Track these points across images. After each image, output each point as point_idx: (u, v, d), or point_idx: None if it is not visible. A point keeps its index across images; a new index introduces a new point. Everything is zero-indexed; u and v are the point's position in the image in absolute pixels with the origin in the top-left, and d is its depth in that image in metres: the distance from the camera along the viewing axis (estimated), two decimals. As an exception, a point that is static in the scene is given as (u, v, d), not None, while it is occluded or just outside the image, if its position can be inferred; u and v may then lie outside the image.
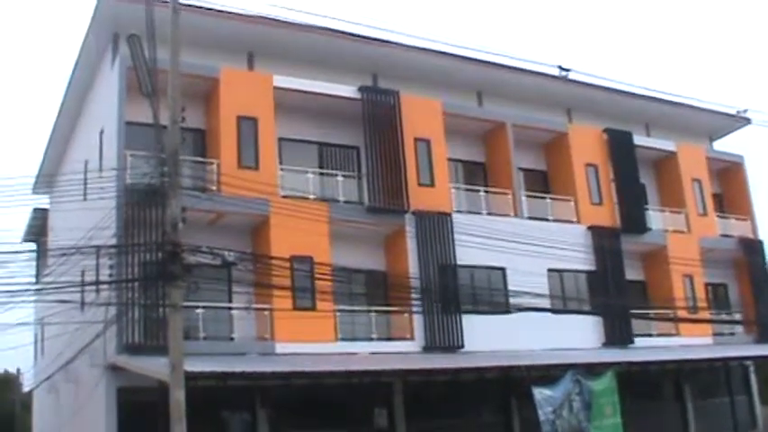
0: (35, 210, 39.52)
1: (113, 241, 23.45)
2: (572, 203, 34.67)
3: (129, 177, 24.68)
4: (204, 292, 22.03)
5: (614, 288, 33.92)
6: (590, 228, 34.42)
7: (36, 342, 40.07)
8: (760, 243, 40.73)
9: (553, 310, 29.31)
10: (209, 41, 27.98)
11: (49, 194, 38.09)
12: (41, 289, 22.29)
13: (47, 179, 36.10)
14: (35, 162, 37.03)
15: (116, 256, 22.46)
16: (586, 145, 35.96)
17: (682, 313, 35.09)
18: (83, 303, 25.38)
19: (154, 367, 21.20)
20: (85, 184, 27.31)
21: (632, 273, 35.82)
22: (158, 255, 17.78)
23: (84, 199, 26.12)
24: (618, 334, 33.36)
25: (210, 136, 28.11)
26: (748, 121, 41.16)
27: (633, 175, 36.92)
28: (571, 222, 34.23)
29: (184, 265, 17.14)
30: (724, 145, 43.98)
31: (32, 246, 39.52)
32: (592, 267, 33.91)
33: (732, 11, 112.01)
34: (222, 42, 28.78)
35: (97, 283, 23.23)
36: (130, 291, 23.02)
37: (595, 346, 32.57)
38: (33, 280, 27.18)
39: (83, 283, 23.18)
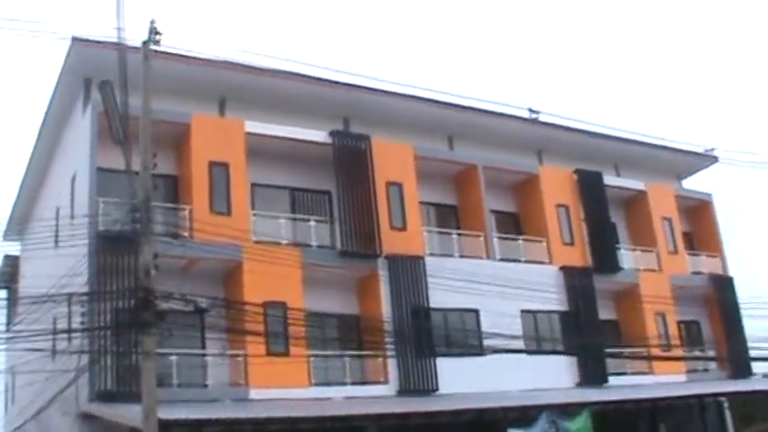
0: (6, 256, 39.22)
1: (85, 288, 23.27)
2: (544, 244, 34.80)
3: (101, 224, 24.56)
4: (177, 339, 22.13)
5: (587, 328, 33.95)
6: (562, 268, 34.53)
7: (6, 390, 39.59)
8: (730, 279, 40.97)
9: (527, 351, 29.41)
10: (180, 87, 28.00)
11: (20, 241, 37.85)
12: (12, 337, 22.13)
13: (18, 226, 35.92)
14: (6, 208, 36.79)
15: (88, 303, 22.35)
16: (557, 186, 36.17)
17: (655, 351, 35.18)
18: (54, 351, 25.17)
19: (127, 415, 20.96)
20: (57, 230, 27.20)
21: (605, 312, 35.87)
22: (131, 302, 17.74)
23: (56, 246, 26.00)
24: (592, 373, 33.35)
25: (182, 182, 28.05)
26: (716, 159, 41.62)
27: (604, 214, 37.12)
28: (543, 263, 34.33)
29: (157, 312, 17.12)
30: (693, 183, 44.42)
31: (3, 293, 39.21)
32: (565, 308, 33.97)
33: (698, 52, 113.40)
34: (194, 88, 28.81)
35: (69, 330, 23.05)
36: (103, 338, 22.83)
37: (570, 386, 32.56)
38: (4, 328, 27.00)
39: (54, 331, 23.00)
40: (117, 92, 17.59)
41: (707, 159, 42.12)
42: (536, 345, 32.50)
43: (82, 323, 22.16)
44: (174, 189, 28.10)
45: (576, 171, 36.93)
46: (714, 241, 42.38)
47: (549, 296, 32.09)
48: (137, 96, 17.98)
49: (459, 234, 33.19)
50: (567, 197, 36.28)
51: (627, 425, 33.59)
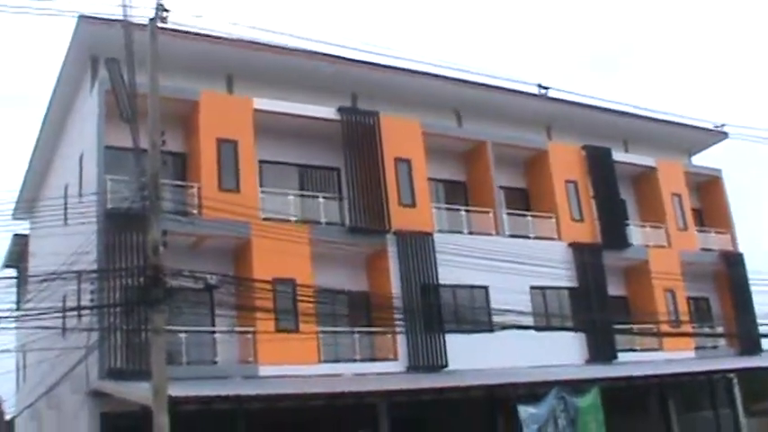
0: (15, 235, 39.26)
1: (94, 266, 23.29)
2: (553, 220, 34.81)
3: (109, 202, 24.58)
4: (187, 316, 22.19)
5: (597, 304, 33.98)
6: (571, 244, 34.53)
7: (18, 369, 39.77)
8: (740, 256, 40.89)
9: (536, 328, 29.36)
10: (188, 65, 27.97)
11: (29, 220, 37.91)
12: (22, 315, 22.16)
13: (27, 205, 35.94)
14: (15, 188, 36.81)
15: (97, 281, 22.34)
16: (566, 162, 36.13)
17: (664, 328, 35.11)
18: (64, 329, 25.24)
19: (137, 392, 21.04)
20: (66, 209, 27.21)
21: (614, 288, 35.91)
22: (140, 279, 17.70)
23: (65, 224, 26.02)
24: (601, 350, 33.40)
25: (191, 159, 28.05)
26: (725, 135, 41.38)
27: (613, 190, 37.11)
28: (552, 239, 34.35)
29: (166, 290, 17.08)
30: (702, 159, 44.27)
31: (13, 272, 39.29)
32: (574, 284, 34.01)
33: (708, 26, 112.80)
34: (201, 66, 28.79)
35: (79, 308, 23.06)
36: (112, 316, 22.82)
37: (579, 363, 32.62)
38: (14, 306, 27.05)
39: (64, 309, 23.03)
40: (124, 69, 17.52)
41: (717, 135, 41.91)
42: (545, 321, 32.55)
43: (91, 301, 22.17)
44: (183, 167, 28.09)
45: (585, 147, 36.84)
46: (724, 218, 42.30)
47: (559, 272, 32.16)
48: (144, 74, 17.91)
49: (468, 210, 33.20)
50: (577, 173, 36.24)
51: (636, 401, 33.69)
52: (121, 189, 23.59)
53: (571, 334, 32.93)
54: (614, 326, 34.54)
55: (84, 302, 22.68)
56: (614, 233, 36.13)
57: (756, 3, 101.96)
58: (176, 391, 18.11)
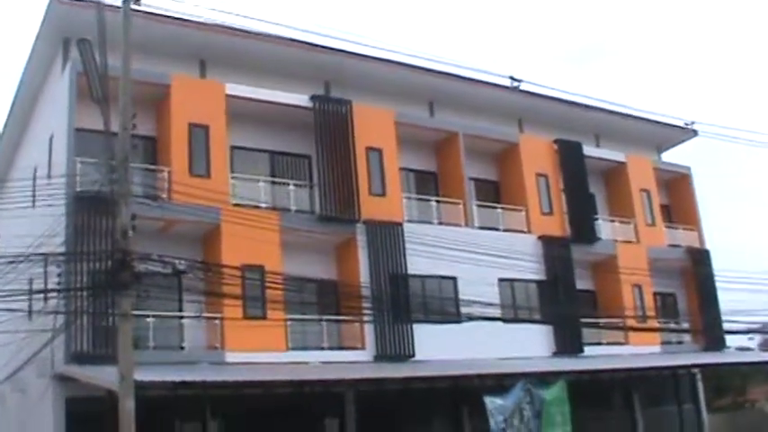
0: (-18, 217, 38.86)
1: (62, 249, 23.16)
2: (523, 213, 34.89)
3: (78, 184, 24.41)
4: (154, 301, 22.07)
5: (565, 297, 34.18)
6: (541, 237, 34.64)
7: (-19, 351, 39.41)
8: (707, 253, 41.16)
9: (504, 320, 29.40)
10: (160, 48, 27.78)
11: (-4, 201, 37.55)
12: (-12, 297, 21.94)
13: (-6, 186, 35.63)
14: (-18, 169, 36.45)
15: (65, 264, 22.22)
16: (537, 155, 36.21)
17: (631, 322, 35.35)
18: (30, 312, 25.06)
19: (103, 377, 20.93)
20: (34, 190, 26.98)
21: (582, 282, 36.06)
22: (108, 263, 17.62)
23: (33, 206, 25.80)
24: (568, 343, 33.59)
25: (161, 143, 27.93)
26: (695, 132, 41.58)
27: (583, 185, 37.26)
28: (522, 232, 34.43)
29: (134, 274, 17.02)
30: (672, 156, 44.53)
31: (-21, 254, 38.86)
32: (542, 277, 34.13)
33: (682, 24, 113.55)
34: (174, 49, 28.61)
35: (45, 291, 22.94)
36: (79, 299, 22.70)
37: (546, 355, 32.80)
38: (-20, 288, 26.75)
39: (30, 292, 22.86)
40: (96, 51, 17.36)
41: (686, 133, 42.10)
42: (513, 313, 32.64)
43: (58, 284, 22.05)
44: (153, 150, 27.97)
45: (557, 141, 36.97)
46: (692, 215, 42.52)
47: (528, 265, 32.16)
48: (116, 57, 17.77)
49: (439, 201, 33.24)
50: (547, 167, 36.35)
51: (601, 394, 33.93)
52: (91, 172, 23.43)
53: (539, 327, 32.99)
54: (581, 319, 34.69)
55: (51, 285, 22.55)
56: (583, 227, 36.31)
57: (727, 2, 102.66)
58: (142, 376, 18.00)
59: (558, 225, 35.59)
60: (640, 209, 39.45)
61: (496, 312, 28.20)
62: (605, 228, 37.96)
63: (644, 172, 40.51)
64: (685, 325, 40.18)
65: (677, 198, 43.13)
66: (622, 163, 39.78)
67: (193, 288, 22.30)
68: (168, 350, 25.25)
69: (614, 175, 39.95)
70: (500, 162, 36.54)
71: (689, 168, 43.29)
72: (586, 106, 37.44)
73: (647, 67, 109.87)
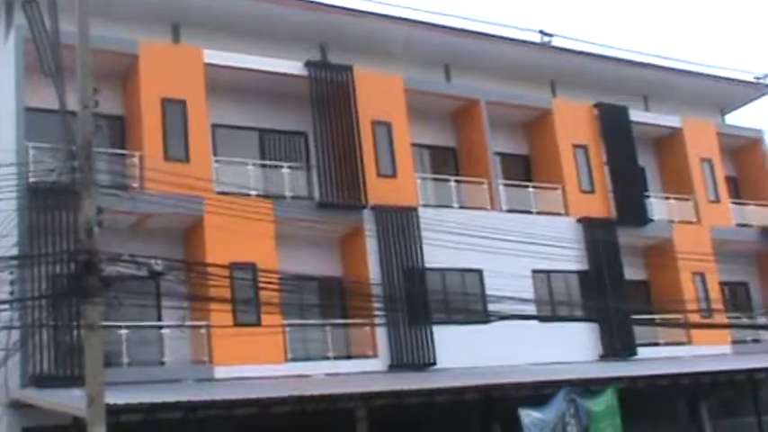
0: None
1: (15, 251, 23.10)
2: (559, 192, 34.94)
3: (31, 174, 24.36)
4: (128, 310, 21.88)
5: (612, 290, 34.11)
6: (580, 220, 34.68)
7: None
8: (786, 232, 40.67)
9: (540, 318, 29.58)
10: (126, 11, 27.93)
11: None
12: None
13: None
14: None
15: (18, 268, 22.18)
16: (574, 123, 36.19)
17: (694, 318, 35.11)
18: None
19: (67, 402, 20.91)
20: (-22, 183, 27.01)
21: (632, 272, 36.04)
22: (70, 266, 17.63)
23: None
24: (618, 344, 33.61)
25: (130, 123, 28.00)
26: (768, 88, 41.35)
27: (630, 156, 37.24)
28: (558, 214, 34.48)
29: (102, 278, 16.98)
30: (738, 118, 44.12)
31: None
32: (584, 266, 34.22)
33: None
34: (142, 11, 28.72)
35: (-5, 302, 22.95)
36: (37, 311, 22.67)
37: (592, 359, 32.88)
38: None
39: (-23, 303, 22.93)
40: (45, 14, 17.32)
41: (757, 89, 41.85)
42: (551, 310, 32.85)
43: (11, 293, 21.97)
44: (121, 132, 28.07)
45: (598, 105, 36.93)
46: (765, 188, 42.14)
47: (566, 253, 32.12)
48: (72, 20, 17.70)
49: (459, 181, 33.32)
50: (587, 136, 36.35)
51: (661, 404, 33.63)
52: (47, 159, 23.46)
53: (582, 325, 33.06)
54: (633, 316, 34.65)
55: (3, 295, 22.54)
56: (632, 206, 36.27)
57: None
58: (115, 398, 18.08)
59: (601, 205, 35.60)
60: (701, 183, 39.23)
61: (531, 310, 28.30)
62: (659, 206, 37.90)
63: (705, 138, 40.25)
64: (762, 320, 39.88)
65: (746, 168, 42.86)
66: (678, 129, 39.61)
67: (174, 293, 22.35)
68: (146, 366, 25.34)
69: (668, 143, 39.85)
70: (530, 133, 36.61)
71: (761, 132, 42.92)
72: (632, 62, 37.41)
73: (706, 10, 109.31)
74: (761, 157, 42.72)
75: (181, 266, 22.79)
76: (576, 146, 35.92)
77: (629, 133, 37.45)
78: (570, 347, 31.90)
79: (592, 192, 35.67)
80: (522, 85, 36.26)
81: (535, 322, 28.20)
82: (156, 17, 29.15)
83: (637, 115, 38.23)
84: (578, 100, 37.11)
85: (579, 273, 34.29)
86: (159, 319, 25.93)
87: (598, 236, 34.57)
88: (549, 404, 26.77)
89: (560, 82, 37.96)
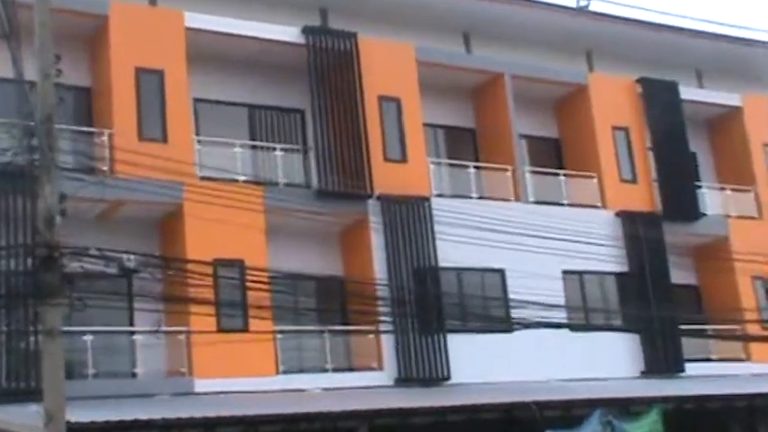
0: None
1: (-37, 244, 23.21)
2: (594, 181, 34.99)
3: (-18, 154, 24.44)
4: (94, 313, 21.85)
5: (655, 295, 34.08)
6: (620, 213, 34.71)
7: None
8: None
9: (572, 326, 29.42)
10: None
11: None
12: None
13: None
14: None
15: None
16: (614, 101, 36.17)
17: (752, 329, 34.74)
18: None
19: (23, 419, 20.87)
20: None
21: (680, 274, 35.96)
22: (27, 262, 17.64)
23: None
24: (662, 358, 33.55)
25: (99, 96, 28.05)
26: None
27: (679, 140, 37.15)
28: (594, 207, 34.55)
29: (65, 275, 16.99)
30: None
31: None
32: (623, 267, 34.23)
33: None
34: (113, -33, 28.70)
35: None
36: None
37: (632, 376, 32.90)
38: None
39: None
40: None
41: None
42: (584, 318, 32.84)
43: (-41, 294, 22.10)
44: (88, 106, 28.13)
45: (641, 80, 36.93)
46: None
47: (602, 252, 32.12)
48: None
49: (479, 167, 33.41)
50: (628, 117, 36.37)
51: (712, 429, 33.45)
52: (1, 136, 23.46)
53: (620, 336, 33.02)
54: (680, 326, 34.35)
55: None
56: (680, 198, 36.21)
57: None
58: (78, 415, 18.12)
59: (643, 196, 35.64)
60: (763, 171, 39.05)
61: (561, 317, 28.20)
62: (712, 199, 37.78)
63: (768, 119, 40.13)
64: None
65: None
66: (737, 108, 39.38)
67: (148, 293, 22.36)
68: (116, 378, 25.46)
69: (725, 125, 39.71)
70: (562, 112, 36.70)
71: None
72: (683, 30, 37.27)
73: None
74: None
75: (157, 263, 22.81)
76: (615, 128, 35.93)
77: (679, 113, 37.37)
78: (606, 361, 31.94)
79: (633, 181, 35.73)
80: (554, 57, 36.25)
81: (566, 331, 28.09)
82: (130, -26, 29.20)
83: (688, 92, 38.09)
84: (619, 74, 37.10)
85: (617, 275, 34.34)
86: (131, 323, 26.01)
87: (640, 232, 34.42)
88: (582, 427, 26.80)
89: (598, 53, 37.95)
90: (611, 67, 37.61)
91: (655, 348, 33.49)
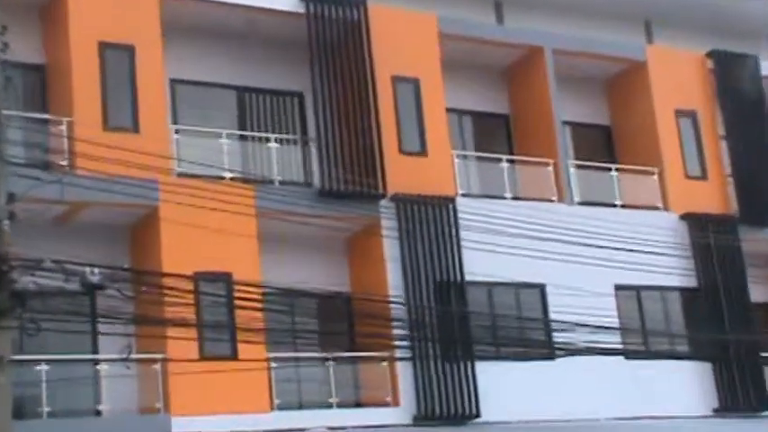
0: None
1: None
2: (654, 178, 35.01)
3: None
4: (51, 337, 22.10)
5: (731, 315, 34.03)
6: (686, 217, 34.71)
7: None
8: None
9: (627, 354, 29.46)
10: None
11: None
12: None
13: None
14: None
15: None
16: (678, 80, 36.19)
17: None
18: None
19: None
20: None
21: (762, 290, 35.98)
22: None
23: None
24: (741, 393, 33.40)
25: (56, 76, 28.13)
26: None
27: (760, 127, 37.03)
28: (654, 209, 34.63)
29: (15, 293, 17.13)
30: None
31: None
32: (691, 282, 34.17)
33: None
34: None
35: None
36: None
37: (702, 414, 32.80)
38: None
39: None
40: None
41: None
42: (642, 343, 32.77)
43: None
44: (42, 88, 28.31)
45: (712, 54, 36.91)
46: None
47: (664, 262, 32.16)
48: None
49: (513, 161, 33.56)
50: (696, 98, 36.39)
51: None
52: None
53: (688, 366, 32.97)
54: (763, 353, 34.26)
55: None
56: (760, 199, 36.13)
57: None
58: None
59: (715, 196, 35.64)
60: None
61: (614, 341, 28.21)
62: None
63: None
64: None
65: None
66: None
67: (116, 313, 22.50)
68: (76, 417, 25.54)
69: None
70: (614, 94, 36.79)
71: None
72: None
73: None
74: None
75: (126, 276, 22.95)
76: (680, 112, 35.94)
77: (760, 94, 37.31)
78: (670, 396, 31.84)
79: (702, 177, 35.75)
80: (604, 27, 36.28)
81: (620, 359, 28.31)
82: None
83: (770, 67, 38.00)
84: (684, 46, 37.17)
85: (684, 290, 34.35)
86: (95, 350, 26.15)
87: (711, 239, 34.40)
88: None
89: (659, 22, 38.05)
90: (676, 37, 37.68)
91: (731, 381, 33.39)
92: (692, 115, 36.08)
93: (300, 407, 28.00)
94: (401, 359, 28.34)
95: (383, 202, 30.04)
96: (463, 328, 29.76)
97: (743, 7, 38.10)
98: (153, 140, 27.03)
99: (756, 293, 35.44)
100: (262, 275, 26.86)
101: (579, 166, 34.36)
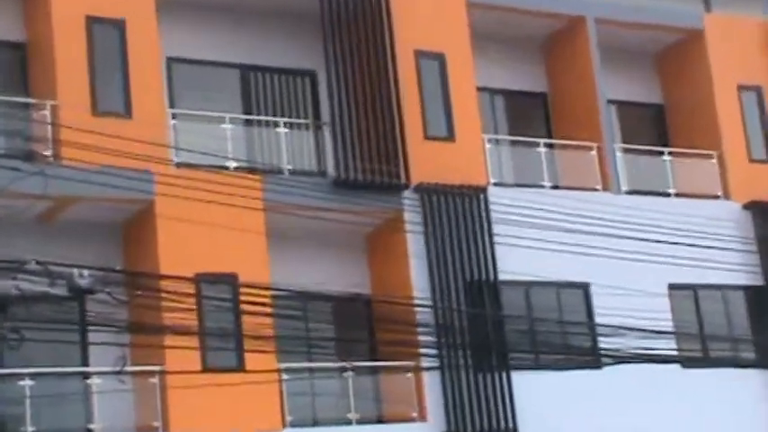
0: None
1: None
2: (713, 162, 35.00)
3: None
4: (36, 349, 22.23)
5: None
6: (750, 206, 34.75)
7: None
8: None
9: (684, 360, 29.50)
10: None
11: None
12: None
13: None
14: None
15: None
16: (740, 52, 36.19)
17: None
18: None
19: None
20: None
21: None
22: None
23: None
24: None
25: (38, 55, 28.21)
26: None
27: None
28: (713, 197, 34.65)
29: (-4, 300, 17.31)
30: None
31: None
32: (755, 279, 34.20)
33: None
34: None
35: None
36: None
37: (769, 430, 32.78)
38: None
39: None
40: None
41: None
42: (701, 349, 32.78)
43: None
44: (23, 69, 28.44)
45: (779, 22, 36.81)
46: None
47: (726, 258, 32.09)
48: None
49: (552, 145, 33.64)
50: (760, 72, 36.37)
51: None
52: None
53: (752, 373, 32.83)
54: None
55: None
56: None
57: None
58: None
59: (783, 183, 35.48)
60: None
61: (668, 347, 28.21)
62: None
63: None
64: None
65: None
66: None
67: (108, 320, 22.61)
68: (64, 435, 25.68)
69: None
70: (667, 69, 36.79)
71: None
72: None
73: None
74: None
75: (119, 279, 23.07)
76: (742, 87, 35.93)
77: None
78: (735, 408, 31.84)
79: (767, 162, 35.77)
80: (655, -5, 36.24)
81: (675, 367, 28.36)
82: None
83: None
84: (748, 13, 37.13)
85: (748, 289, 34.38)
86: (85, 362, 26.25)
87: (779, 231, 34.48)
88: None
89: (718, -13, 37.96)
90: (737, 4, 37.58)
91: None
92: (755, 91, 36.09)
93: (315, 423, 28.12)
94: (428, 369, 28.32)
95: (406, 194, 30.07)
96: (497, 333, 29.72)
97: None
98: (147, 126, 26.96)
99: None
100: (271, 276, 26.97)
101: (627, 151, 34.40)
